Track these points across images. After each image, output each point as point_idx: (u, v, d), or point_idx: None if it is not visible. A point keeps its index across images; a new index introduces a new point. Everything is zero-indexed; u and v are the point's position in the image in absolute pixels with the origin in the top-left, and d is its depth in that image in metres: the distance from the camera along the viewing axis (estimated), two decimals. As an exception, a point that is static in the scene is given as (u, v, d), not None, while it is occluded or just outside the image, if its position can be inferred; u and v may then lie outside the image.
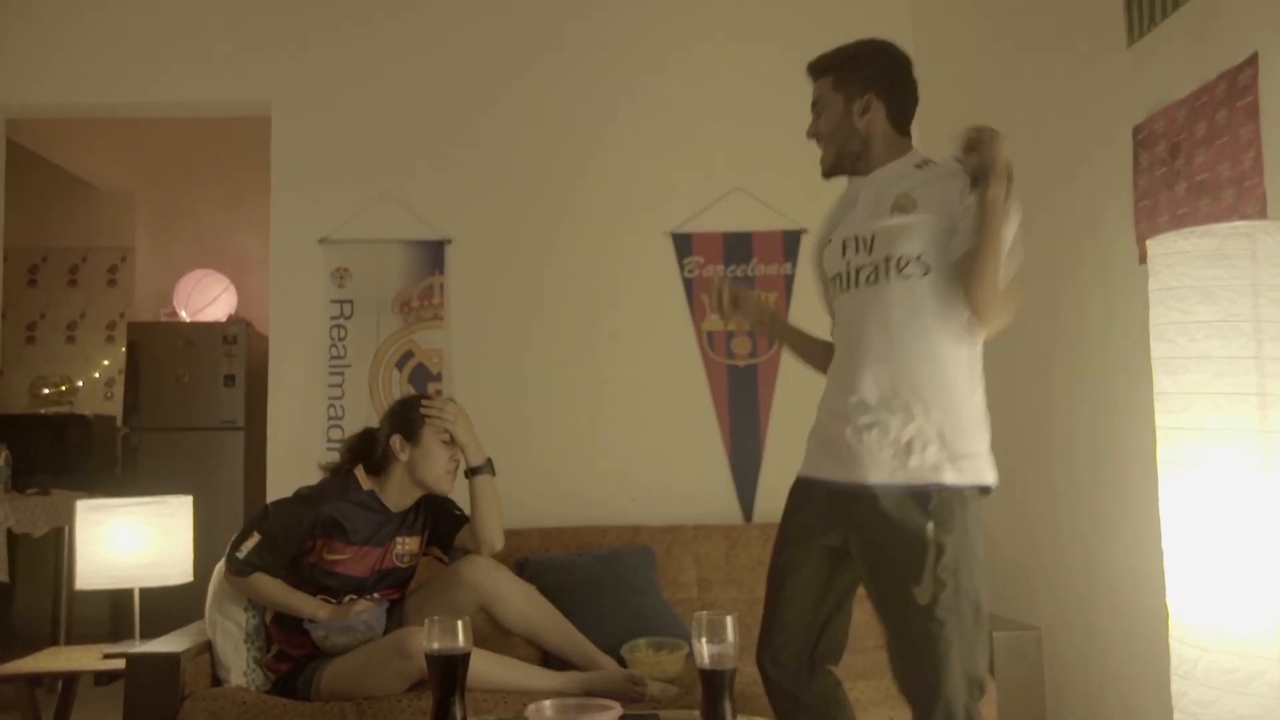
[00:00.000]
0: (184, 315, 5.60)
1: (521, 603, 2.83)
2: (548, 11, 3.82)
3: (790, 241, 3.71)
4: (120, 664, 2.71)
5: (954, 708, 1.89)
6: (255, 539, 2.67)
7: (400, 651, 2.52)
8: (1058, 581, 2.83)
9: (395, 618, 2.79)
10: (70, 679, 3.21)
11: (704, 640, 1.70)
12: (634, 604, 3.03)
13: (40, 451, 5.39)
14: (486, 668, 2.53)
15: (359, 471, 2.81)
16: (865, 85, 2.10)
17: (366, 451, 2.82)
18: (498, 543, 2.83)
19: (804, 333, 2.34)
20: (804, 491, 2.14)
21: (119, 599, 4.51)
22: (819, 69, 2.17)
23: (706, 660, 1.71)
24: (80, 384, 6.46)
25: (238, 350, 5.29)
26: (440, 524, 2.89)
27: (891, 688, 2.09)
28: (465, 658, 1.80)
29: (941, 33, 3.59)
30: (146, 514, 3.18)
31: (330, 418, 3.63)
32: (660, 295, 3.72)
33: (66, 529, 4.33)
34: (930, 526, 1.90)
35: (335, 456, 2.94)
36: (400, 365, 3.67)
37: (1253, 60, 2.01)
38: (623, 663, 2.79)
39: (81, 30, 3.79)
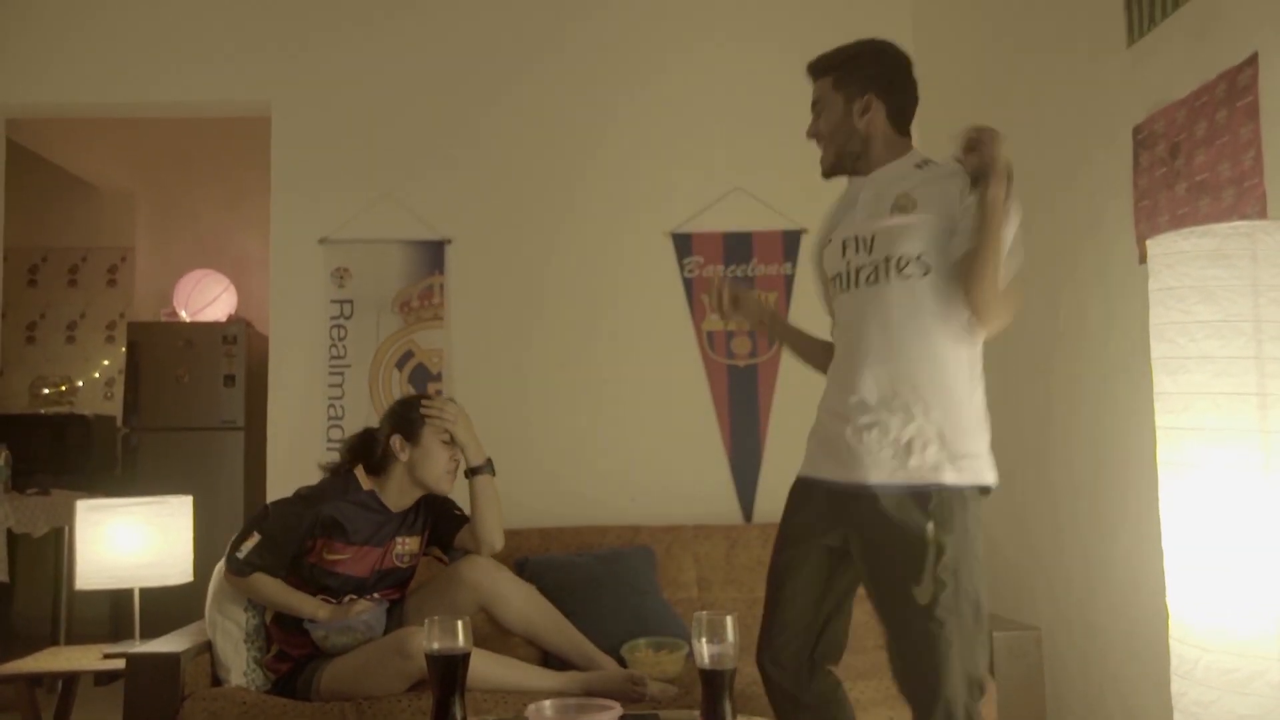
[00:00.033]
0: (184, 315, 5.60)
1: (521, 603, 2.83)
2: (548, 11, 3.82)
3: (790, 241, 3.71)
4: (120, 664, 2.71)
5: (954, 708, 1.89)
6: (255, 539, 2.67)
7: (400, 651, 2.52)
8: (1058, 581, 2.83)
9: (395, 618, 2.79)
10: (70, 679, 3.21)
11: (704, 640, 1.70)
12: (634, 604, 3.03)
13: (40, 451, 5.39)
14: (486, 668, 2.53)
15: (359, 472, 2.81)
16: (865, 85, 2.10)
17: (366, 451, 2.82)
18: (498, 543, 2.83)
19: (804, 333, 2.34)
20: (804, 491, 2.14)
21: (119, 599, 4.51)
22: (819, 69, 2.17)
23: (706, 660, 1.71)
24: (80, 384, 6.46)
25: (238, 350, 5.29)
26: (440, 524, 2.89)
27: (891, 688, 2.09)
28: (465, 658, 1.80)
29: (941, 33, 3.59)
30: (146, 514, 3.18)
31: (330, 418, 3.63)
32: (660, 295, 3.72)
33: (66, 529, 4.33)
34: (930, 526, 1.90)
35: (335, 456, 2.94)
36: (400, 365, 3.67)
37: (1252, 60, 2.01)
38: (623, 663, 2.79)
39: (81, 30, 3.79)
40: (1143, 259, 2.29)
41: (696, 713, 1.79)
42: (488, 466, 2.82)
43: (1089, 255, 2.66)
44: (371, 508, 2.75)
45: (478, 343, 3.71)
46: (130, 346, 5.35)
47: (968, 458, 1.94)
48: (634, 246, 3.73)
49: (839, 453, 2.03)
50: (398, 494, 2.78)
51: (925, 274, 1.97)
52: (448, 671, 1.79)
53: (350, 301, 3.69)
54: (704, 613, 1.72)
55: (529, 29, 3.81)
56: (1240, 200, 2.04)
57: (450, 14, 3.81)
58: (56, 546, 4.55)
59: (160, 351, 5.29)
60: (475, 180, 3.76)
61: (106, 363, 6.64)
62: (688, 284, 3.73)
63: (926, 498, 1.92)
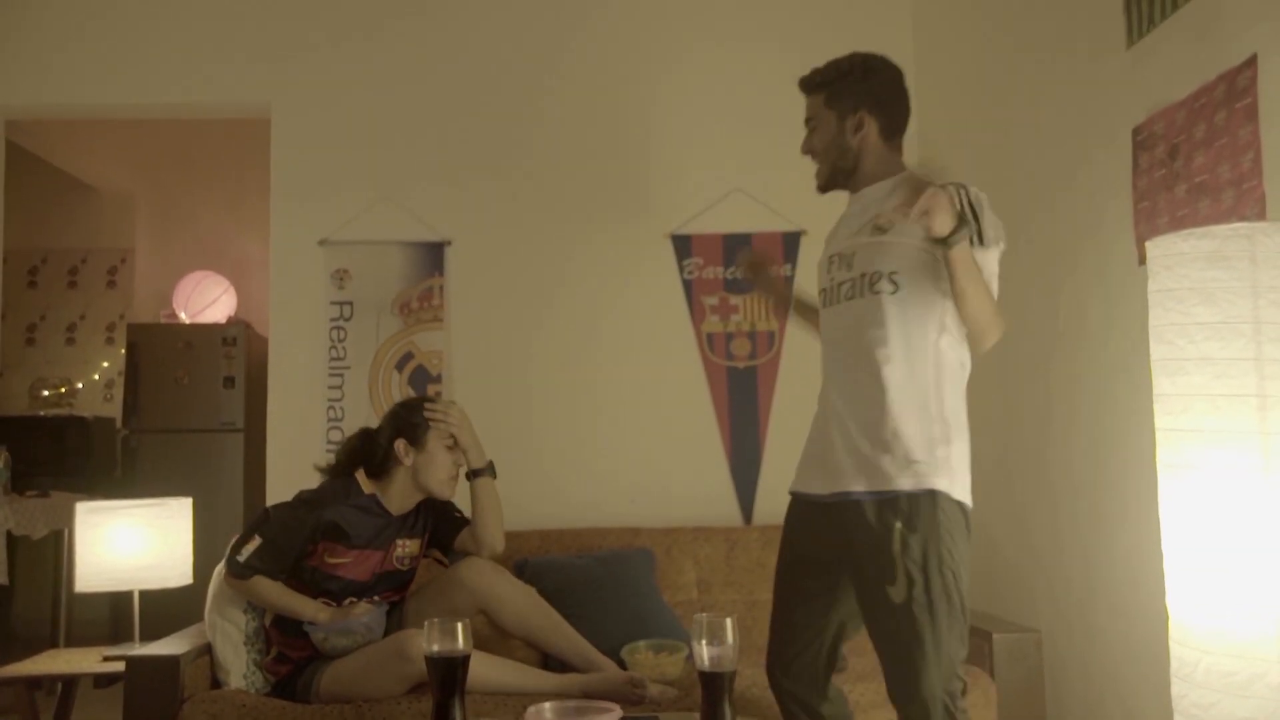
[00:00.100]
0: (184, 317, 5.60)
1: (521, 605, 2.82)
2: (548, 14, 3.82)
3: (790, 243, 3.70)
4: (120, 666, 2.71)
5: (933, 705, 1.92)
6: (256, 542, 2.67)
7: (400, 654, 2.52)
8: (1058, 583, 2.83)
9: (395, 620, 2.79)
10: (70, 681, 3.21)
11: (704, 642, 1.70)
12: (634, 606, 3.03)
13: (40, 453, 5.40)
14: (486, 670, 2.53)
15: (360, 475, 2.80)
16: (858, 103, 2.14)
17: (367, 455, 2.82)
18: (499, 545, 2.83)
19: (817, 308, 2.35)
20: (794, 506, 2.22)
21: (118, 601, 4.49)
22: (811, 85, 2.20)
23: (706, 662, 1.71)
24: (80, 386, 6.47)
25: (237, 352, 5.29)
26: (440, 526, 2.88)
27: (891, 689, 2.10)
28: (465, 660, 1.80)
29: (941, 33, 3.59)
30: (146, 516, 3.18)
31: (330, 419, 3.63)
32: (660, 297, 3.72)
33: (66, 531, 4.33)
34: (898, 526, 1.94)
35: (333, 458, 2.93)
36: (400, 367, 3.67)
37: (1252, 62, 2.01)
38: (623, 665, 2.79)
39: (81, 31, 3.78)
40: (1142, 260, 2.29)
41: (696, 715, 1.79)
42: (489, 469, 2.82)
43: (1088, 256, 2.66)
44: (373, 511, 2.75)
45: (477, 344, 3.71)
46: (130, 348, 5.34)
47: (929, 464, 1.97)
48: (634, 248, 3.73)
49: (821, 465, 2.10)
50: (400, 498, 2.77)
51: (894, 291, 2.01)
52: (447, 674, 1.79)
53: (350, 303, 3.69)
54: (704, 615, 1.72)
55: (529, 32, 3.81)
56: (1239, 202, 2.04)
57: (450, 17, 3.81)
58: (56, 549, 4.55)
59: (160, 353, 5.29)
60: (475, 182, 3.75)
61: (106, 364, 6.65)
62: (687, 286, 3.72)
63: (895, 503, 1.96)
